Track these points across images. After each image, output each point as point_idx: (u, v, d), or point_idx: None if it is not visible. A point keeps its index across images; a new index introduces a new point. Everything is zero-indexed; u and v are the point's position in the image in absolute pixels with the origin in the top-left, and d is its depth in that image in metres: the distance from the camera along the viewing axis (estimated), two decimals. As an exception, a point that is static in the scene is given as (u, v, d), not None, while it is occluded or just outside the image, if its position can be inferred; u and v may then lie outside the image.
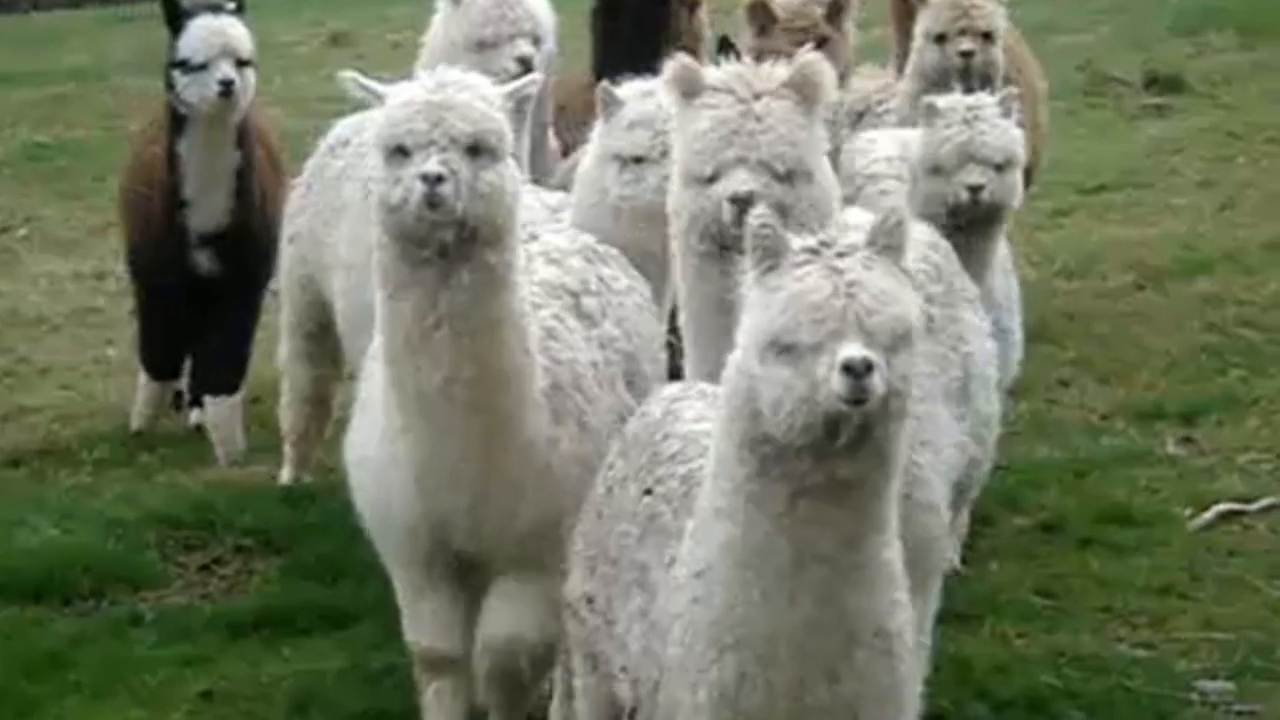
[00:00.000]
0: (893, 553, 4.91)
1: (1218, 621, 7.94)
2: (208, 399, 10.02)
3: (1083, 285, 12.32)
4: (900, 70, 10.06)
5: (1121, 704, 7.31)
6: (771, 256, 4.75)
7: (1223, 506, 8.97)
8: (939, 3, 9.51)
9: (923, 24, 9.57)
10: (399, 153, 5.91)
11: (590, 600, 5.51)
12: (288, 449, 9.38)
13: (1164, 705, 7.31)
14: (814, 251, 4.74)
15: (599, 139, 7.22)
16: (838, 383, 4.55)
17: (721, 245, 6.06)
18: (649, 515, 5.30)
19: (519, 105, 6.27)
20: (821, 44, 8.20)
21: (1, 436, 10.43)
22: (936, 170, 7.74)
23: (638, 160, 7.06)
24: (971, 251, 7.56)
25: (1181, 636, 7.85)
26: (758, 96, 6.09)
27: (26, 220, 15.04)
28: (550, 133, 9.43)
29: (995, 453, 7.11)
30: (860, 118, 9.89)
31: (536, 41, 8.40)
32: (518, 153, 6.44)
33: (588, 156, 7.35)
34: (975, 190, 7.66)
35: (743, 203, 5.94)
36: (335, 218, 8.54)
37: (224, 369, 9.95)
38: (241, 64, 9.32)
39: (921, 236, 6.43)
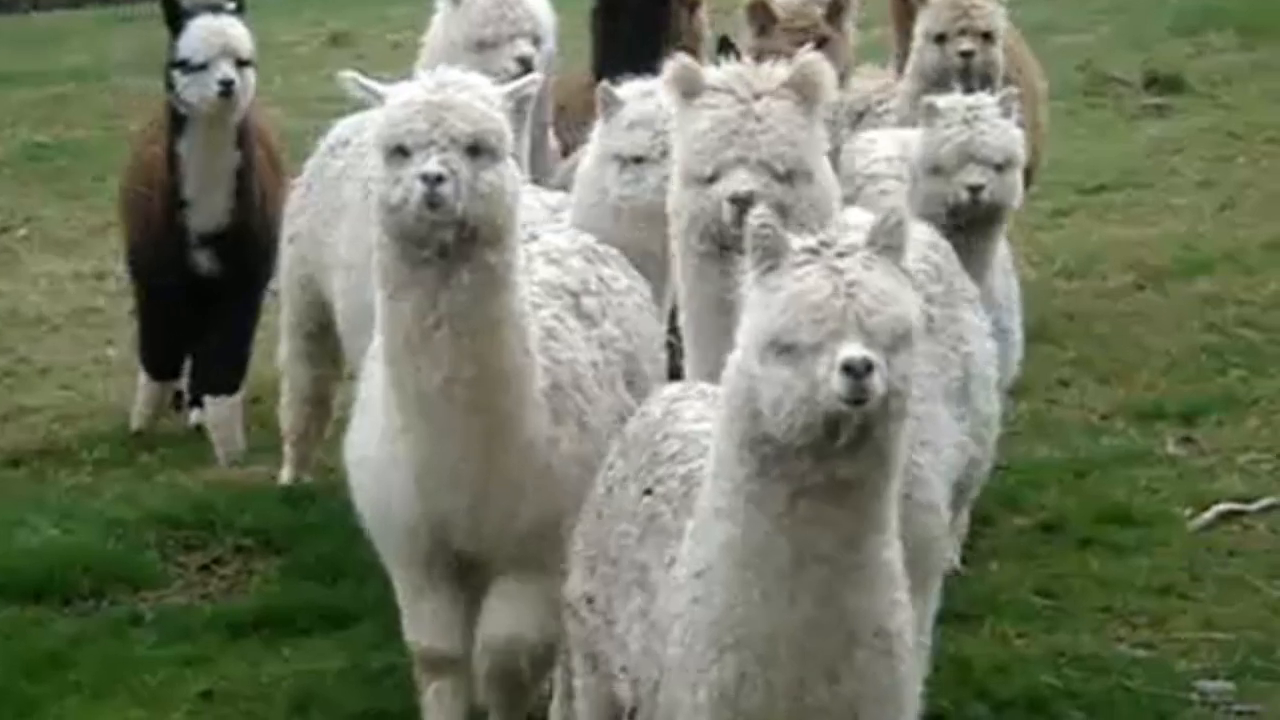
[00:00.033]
0: (893, 553, 4.91)
1: (1218, 621, 7.94)
2: (208, 399, 10.02)
3: (1083, 285, 12.32)
4: (900, 70, 10.05)
5: (1121, 704, 7.31)
6: (771, 256, 4.75)
7: (1223, 506, 8.97)
8: (939, 3, 9.50)
9: (923, 24, 9.57)
10: (399, 153, 5.91)
11: (590, 600, 5.51)
12: (288, 449, 9.38)
13: (1164, 705, 7.31)
14: (814, 251, 4.74)
15: (599, 139, 7.21)
16: (838, 383, 4.55)
17: (721, 245, 6.06)
18: (649, 515, 5.29)
19: (519, 105, 6.27)
20: (822, 44, 8.20)
21: (1, 436, 10.43)
22: (936, 170, 7.74)
23: (638, 160, 7.06)
24: (972, 251, 7.56)
25: (1181, 636, 7.86)
26: (758, 96, 6.09)
27: (26, 220, 15.04)
28: (550, 133, 9.43)
29: (995, 453, 7.11)
30: (860, 118, 9.89)
31: (537, 41, 8.41)
32: (518, 153, 6.43)
33: (588, 156, 7.34)
34: (975, 190, 7.66)
35: (743, 203, 5.94)
36: (335, 218, 8.53)
37: (224, 369, 9.95)
38: (241, 64, 9.32)
39: (921, 236, 6.43)
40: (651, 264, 6.90)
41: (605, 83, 7.26)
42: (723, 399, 4.90)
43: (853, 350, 4.55)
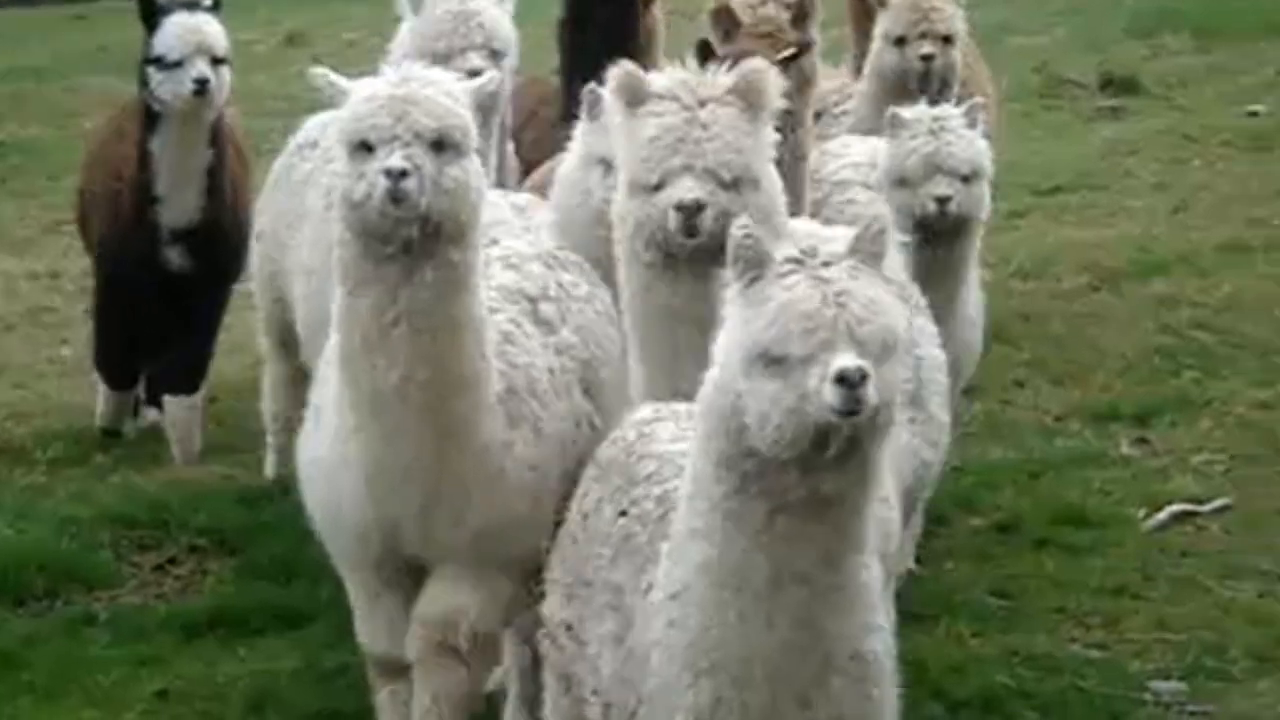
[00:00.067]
0: (871, 576, 4.85)
1: (1170, 622, 7.98)
2: (167, 398, 9.98)
3: (1038, 286, 12.35)
4: (857, 71, 10.07)
5: (1075, 704, 7.34)
6: (755, 267, 4.66)
7: (1176, 507, 9.02)
8: (899, 5, 9.52)
9: (882, 26, 9.59)
10: (363, 148, 5.87)
11: (569, 628, 5.43)
12: (270, 439, 9.33)
13: (1117, 705, 7.35)
14: (798, 261, 4.66)
15: (582, 141, 7.13)
16: (830, 394, 4.47)
17: (667, 254, 6.05)
18: (623, 536, 5.23)
19: (483, 103, 6.24)
20: (802, 52, 8.21)
21: (-45, 436, 10.38)
22: (903, 182, 7.73)
23: None
24: (941, 263, 7.58)
25: (1135, 637, 7.89)
26: (703, 104, 6.07)
27: (-20, 219, 14.97)
28: (511, 148, 9.42)
29: (948, 455, 7.13)
30: (817, 118, 9.89)
31: (494, 55, 8.32)
32: (484, 150, 6.41)
33: (570, 158, 7.28)
34: (943, 202, 7.65)
35: (689, 210, 5.94)
36: (298, 221, 8.50)
37: (185, 368, 9.92)
38: (217, 62, 9.28)
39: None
40: None
41: (592, 85, 7.17)
42: (700, 416, 4.80)
43: (847, 360, 4.47)
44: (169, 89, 9.24)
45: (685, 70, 6.19)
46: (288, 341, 8.91)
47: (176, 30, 9.25)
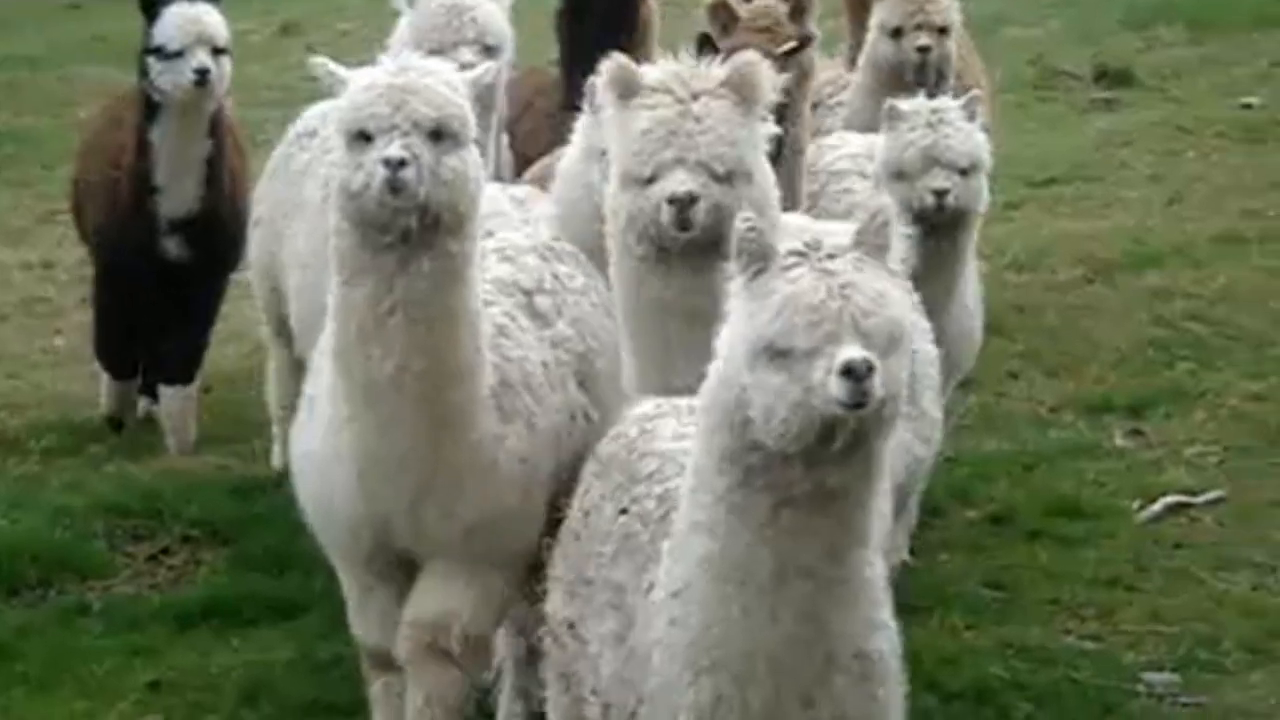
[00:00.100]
0: (875, 572, 4.81)
1: (1164, 614, 7.99)
2: (163, 388, 9.99)
3: (1032, 278, 12.35)
4: (853, 62, 10.07)
5: (1068, 695, 7.35)
6: (759, 260, 4.62)
7: (1170, 499, 9.02)
8: (895, -4, 9.52)
9: (878, 17, 9.59)
10: (361, 137, 5.86)
11: (571, 626, 5.39)
12: (276, 428, 9.29)
13: (1110, 697, 7.35)
14: (801, 254, 4.61)
15: (584, 134, 7.09)
16: (837, 386, 4.42)
17: (660, 247, 6.03)
18: (624, 534, 5.19)
19: (481, 94, 6.23)
20: (802, 46, 8.20)
21: (-52, 426, 10.38)
22: (900, 175, 7.72)
23: None
24: (940, 256, 7.57)
25: (1128, 628, 7.90)
26: (695, 96, 6.04)
27: (-27, 208, 14.96)
28: (505, 140, 9.41)
29: (941, 447, 7.13)
30: (812, 110, 9.90)
31: (487, 50, 8.30)
32: (482, 141, 6.40)
33: (571, 151, 7.26)
34: (940, 195, 7.64)
35: (681, 203, 5.93)
36: (295, 212, 8.50)
37: (182, 358, 9.93)
38: (217, 52, 9.28)
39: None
40: None
41: (593, 78, 7.14)
42: (704, 410, 4.76)
43: (853, 352, 4.43)
44: (169, 79, 9.23)
45: (678, 63, 6.17)
46: (287, 330, 8.91)
47: (177, 20, 9.24)
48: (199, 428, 9.98)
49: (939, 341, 7.21)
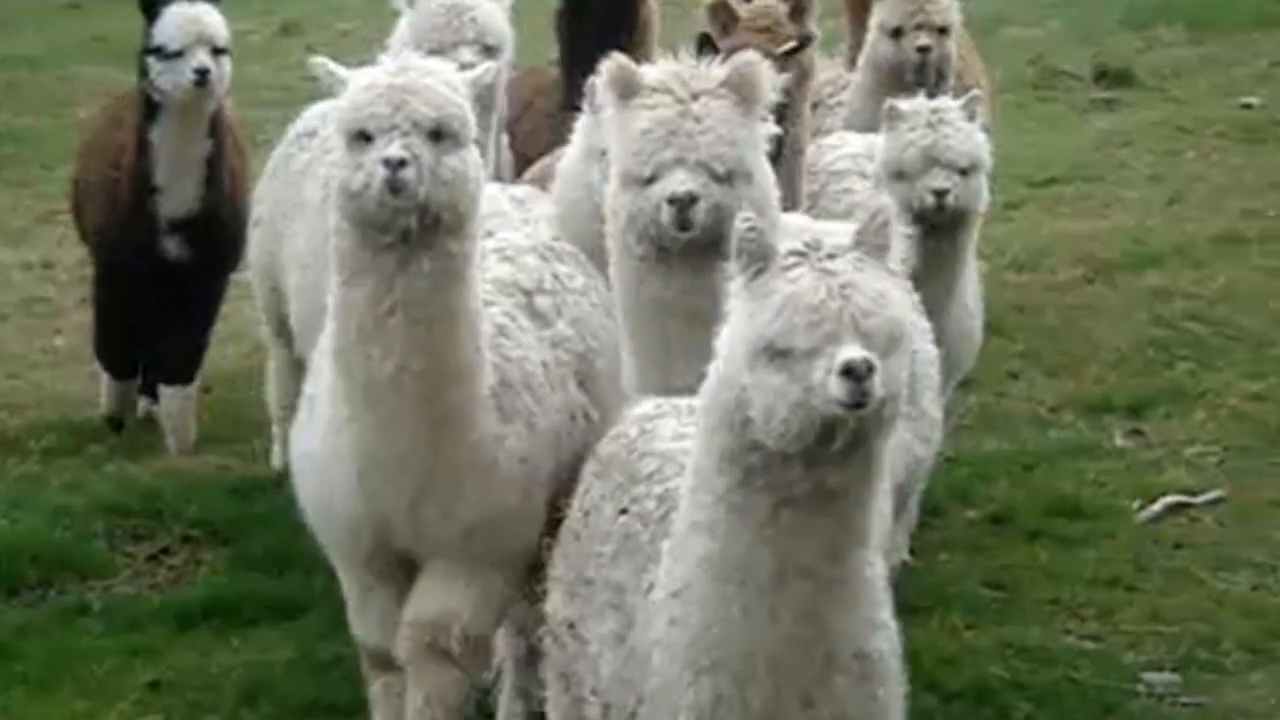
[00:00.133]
0: (875, 573, 4.81)
1: (1164, 614, 7.99)
2: (163, 388, 9.99)
3: (1032, 278, 12.35)
4: (853, 62, 10.07)
5: (1068, 695, 7.35)
6: (759, 260, 4.61)
7: (1169, 499, 9.02)
8: (895, -4, 9.52)
9: (878, 17, 9.59)
10: (361, 138, 5.86)
11: (571, 626, 5.39)
12: (276, 428, 9.29)
13: (1110, 697, 7.35)
14: (801, 254, 4.61)
15: (584, 134, 7.08)
16: (837, 386, 4.41)
17: (660, 247, 6.02)
18: (624, 534, 5.18)
19: (481, 94, 6.23)
20: (802, 46, 8.19)
21: (-52, 426, 10.38)
22: (900, 175, 7.71)
23: None
24: (940, 256, 7.56)
25: (1128, 628, 7.90)
26: (696, 96, 6.04)
27: (-27, 208, 14.95)
28: (505, 140, 9.41)
29: (941, 447, 7.12)
30: (812, 110, 9.90)
31: (487, 50, 8.30)
32: (482, 141, 6.39)
33: (571, 151, 7.25)
34: (940, 195, 7.63)
35: (681, 203, 5.92)
36: (295, 212, 8.50)
37: (182, 358, 9.93)
38: (217, 52, 9.27)
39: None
40: None
41: (594, 78, 7.12)
42: (704, 410, 4.75)
43: (853, 352, 4.42)
44: (169, 79, 9.23)
45: (678, 63, 6.17)
46: (287, 330, 8.91)
47: (176, 20, 9.23)
48: (199, 428, 9.98)
49: (939, 341, 7.21)
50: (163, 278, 9.59)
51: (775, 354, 4.51)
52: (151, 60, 9.26)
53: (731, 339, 4.66)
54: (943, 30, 9.49)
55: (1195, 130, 15.62)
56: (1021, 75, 17.15)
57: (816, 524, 4.62)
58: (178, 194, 9.46)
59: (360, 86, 5.92)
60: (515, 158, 9.58)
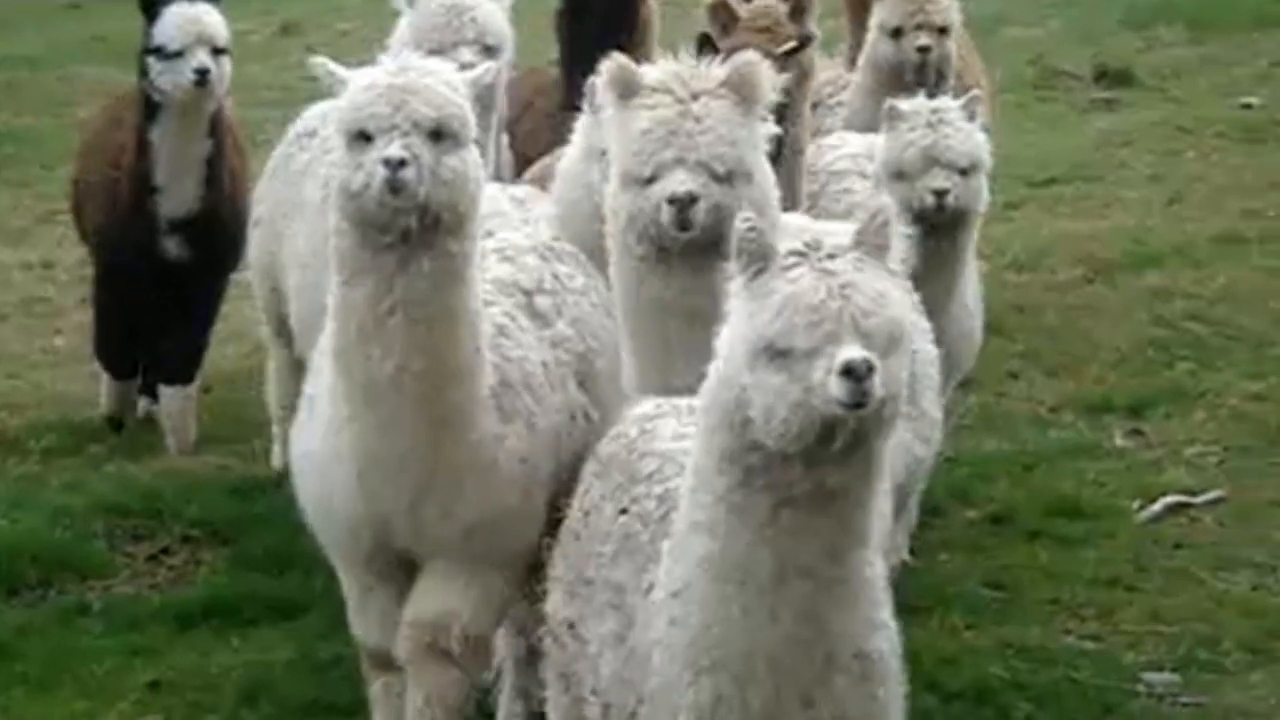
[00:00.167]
0: (875, 573, 4.80)
1: (1164, 614, 7.99)
2: (163, 388, 9.98)
3: (1032, 278, 12.35)
4: (852, 62, 10.07)
5: (1068, 695, 7.35)
6: (759, 260, 4.61)
7: (1170, 499, 9.02)
8: (896, -4, 9.52)
9: (878, 17, 9.58)
10: (361, 138, 5.85)
11: (571, 626, 5.38)
12: (276, 429, 9.27)
13: (1110, 697, 7.35)
14: (802, 254, 4.60)
15: (584, 134, 7.06)
16: (837, 386, 4.40)
17: (659, 247, 6.01)
18: (624, 534, 5.17)
19: (481, 94, 6.23)
20: (802, 46, 8.19)
21: (-51, 426, 10.37)
22: (900, 175, 7.70)
23: None
24: (940, 256, 7.56)
25: (1128, 628, 7.90)
26: (695, 96, 6.03)
27: (-27, 208, 14.95)
28: (505, 140, 9.40)
29: (941, 447, 7.12)
30: (812, 110, 9.89)
31: (487, 51, 8.29)
32: (482, 141, 6.39)
33: (571, 151, 7.24)
34: (940, 195, 7.62)
35: (681, 203, 5.91)
36: (294, 211, 8.49)
37: (181, 358, 9.92)
38: (217, 52, 9.27)
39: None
40: None
41: (593, 78, 7.11)
42: (703, 410, 4.75)
43: (853, 352, 4.41)
44: (169, 79, 9.22)
45: (678, 63, 6.17)
46: (287, 330, 8.90)
47: (177, 20, 9.23)
48: (199, 428, 9.98)
49: (939, 341, 7.21)
50: (163, 278, 9.58)
51: (775, 354, 4.51)
52: (151, 60, 9.26)
53: (731, 339, 4.65)
54: (943, 30, 9.49)
55: (1195, 130, 15.62)
56: (1021, 75, 17.15)
57: (816, 524, 4.62)
58: (178, 194, 9.46)
59: (360, 86, 5.92)
60: (515, 158, 9.58)
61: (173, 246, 9.54)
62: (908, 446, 6.65)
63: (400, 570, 6.33)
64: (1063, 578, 8.32)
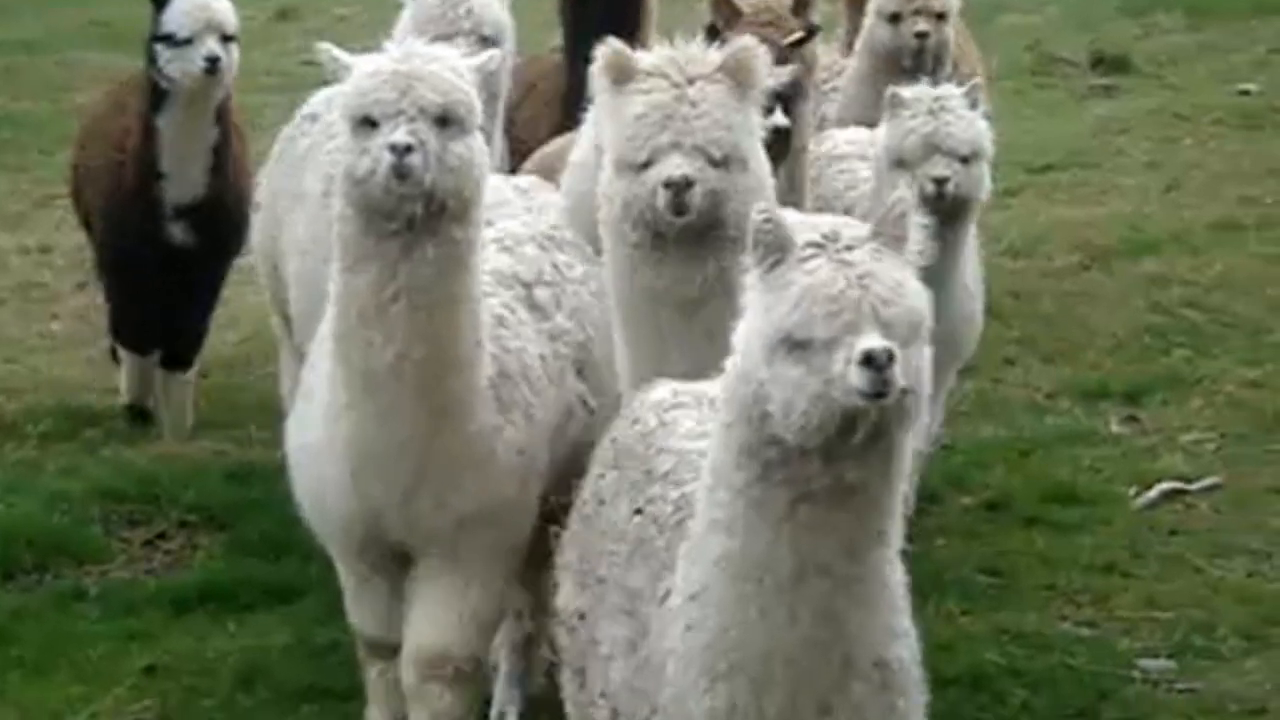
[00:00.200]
0: (896, 577, 4.72)
1: (1159, 600, 8.00)
2: (161, 373, 9.97)
3: (1029, 265, 12.35)
4: (849, 48, 10.05)
5: (1064, 681, 7.36)
6: (776, 251, 4.53)
7: (1165, 485, 9.03)
8: (894, -19, 9.50)
9: (876, 2, 9.55)
10: (366, 123, 5.84)
11: (582, 616, 5.31)
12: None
13: (1106, 683, 7.36)
14: (819, 245, 4.52)
15: (594, 125, 7.00)
16: (857, 376, 4.33)
17: (655, 234, 5.99)
18: (638, 537, 5.09)
19: (487, 81, 6.21)
20: (808, 37, 8.18)
21: (-55, 411, 10.38)
22: (901, 162, 7.68)
23: None
24: (941, 243, 7.54)
25: (1124, 615, 7.91)
26: (691, 81, 6.01)
27: (-30, 193, 14.94)
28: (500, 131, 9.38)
29: (936, 435, 7.12)
30: (809, 96, 9.88)
31: (484, 42, 8.27)
32: (487, 128, 6.38)
33: (581, 142, 7.20)
34: (941, 183, 7.60)
35: (677, 188, 5.89)
36: (295, 200, 8.47)
37: (182, 344, 9.91)
38: (226, 39, 9.24)
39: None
40: None
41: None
42: (722, 405, 4.68)
43: (872, 341, 4.34)
44: (178, 67, 9.17)
45: (674, 48, 6.15)
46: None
47: (186, 7, 9.17)
48: (196, 413, 9.98)
49: (939, 325, 7.19)
50: (167, 263, 9.56)
51: (794, 346, 4.43)
52: (160, 48, 9.20)
53: (748, 333, 4.58)
54: (940, 15, 9.47)
55: (1193, 117, 15.61)
56: (1019, 62, 17.13)
57: (835, 519, 4.54)
58: (183, 180, 9.43)
59: (366, 72, 5.91)
60: (515, 144, 9.55)
61: (177, 232, 9.52)
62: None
63: (395, 562, 6.33)
64: (1059, 564, 8.33)
